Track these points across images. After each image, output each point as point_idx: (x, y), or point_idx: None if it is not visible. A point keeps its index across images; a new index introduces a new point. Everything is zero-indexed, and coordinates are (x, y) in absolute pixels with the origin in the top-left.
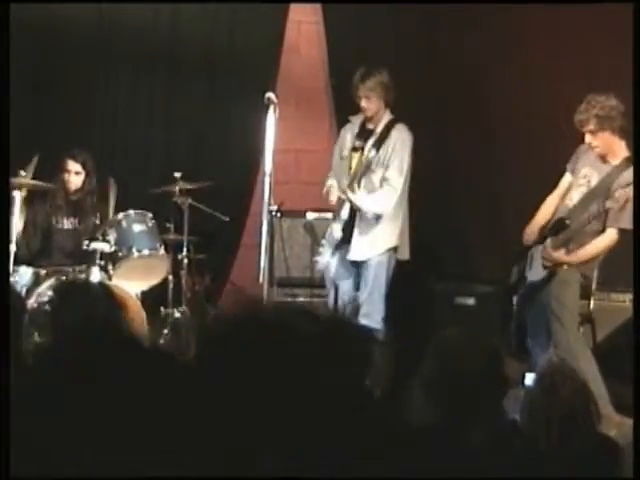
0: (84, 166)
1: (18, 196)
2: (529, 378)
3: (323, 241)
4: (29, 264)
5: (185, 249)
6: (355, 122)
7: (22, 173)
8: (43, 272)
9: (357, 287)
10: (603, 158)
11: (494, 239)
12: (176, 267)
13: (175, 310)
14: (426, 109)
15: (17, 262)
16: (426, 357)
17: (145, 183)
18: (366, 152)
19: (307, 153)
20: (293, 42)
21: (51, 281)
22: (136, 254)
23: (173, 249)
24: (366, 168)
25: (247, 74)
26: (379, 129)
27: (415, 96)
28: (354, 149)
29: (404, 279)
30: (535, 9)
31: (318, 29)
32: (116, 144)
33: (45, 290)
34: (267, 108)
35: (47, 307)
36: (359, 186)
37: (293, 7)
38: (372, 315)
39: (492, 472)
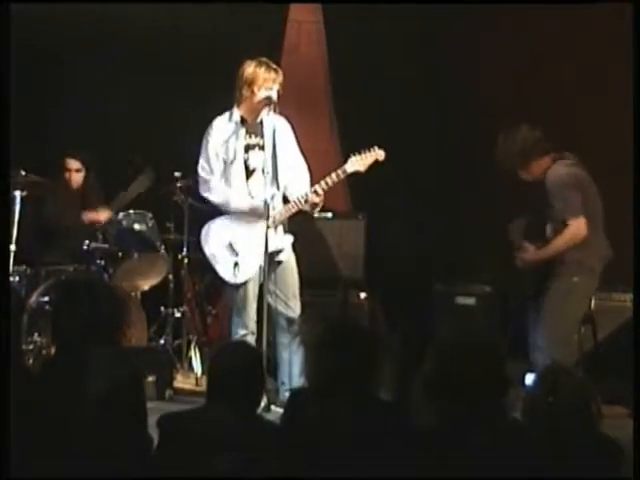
0: (83, 163)
1: (19, 195)
2: (529, 378)
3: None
4: (29, 264)
5: (185, 249)
6: (236, 117)
7: (22, 173)
8: (43, 272)
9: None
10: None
11: (494, 239)
12: (176, 267)
13: (175, 310)
14: (427, 107)
15: (17, 262)
16: (427, 357)
17: (146, 182)
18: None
19: (307, 152)
20: (293, 42)
21: (51, 281)
22: (136, 254)
23: (173, 249)
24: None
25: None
26: (265, 120)
27: (415, 94)
28: (249, 147)
29: (404, 279)
30: None
31: (318, 29)
32: (116, 144)
33: (45, 290)
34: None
35: (47, 307)
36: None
37: (293, 7)
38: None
39: (493, 472)
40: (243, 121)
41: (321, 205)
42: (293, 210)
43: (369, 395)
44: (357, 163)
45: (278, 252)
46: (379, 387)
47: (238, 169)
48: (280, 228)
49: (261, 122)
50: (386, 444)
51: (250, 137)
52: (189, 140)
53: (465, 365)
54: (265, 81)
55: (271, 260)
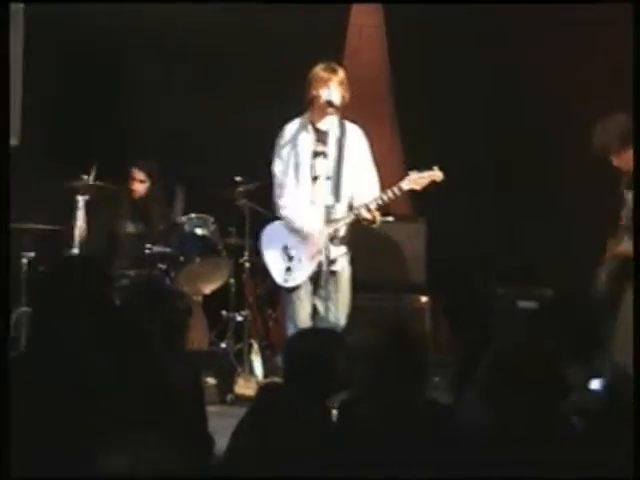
0: (149, 175)
1: (81, 201)
2: (595, 383)
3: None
4: None
5: (246, 253)
6: (306, 123)
7: (85, 178)
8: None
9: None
10: None
11: (557, 242)
12: (238, 271)
13: (237, 314)
14: (490, 107)
15: None
16: (487, 361)
17: (207, 187)
18: (334, 155)
19: None
20: (354, 46)
21: (114, 284)
22: (198, 258)
23: (235, 253)
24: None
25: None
26: (336, 128)
27: (476, 95)
28: (316, 154)
29: (465, 282)
30: None
31: (379, 33)
32: (178, 149)
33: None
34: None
35: None
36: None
37: (355, 11)
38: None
39: (554, 475)
40: (312, 127)
41: (377, 220)
42: (347, 221)
43: (418, 400)
44: (414, 182)
45: (332, 262)
46: (425, 391)
47: (304, 175)
48: (337, 238)
49: (332, 129)
50: (442, 448)
51: (318, 144)
52: (251, 145)
53: (526, 370)
54: (323, 81)
55: (329, 268)
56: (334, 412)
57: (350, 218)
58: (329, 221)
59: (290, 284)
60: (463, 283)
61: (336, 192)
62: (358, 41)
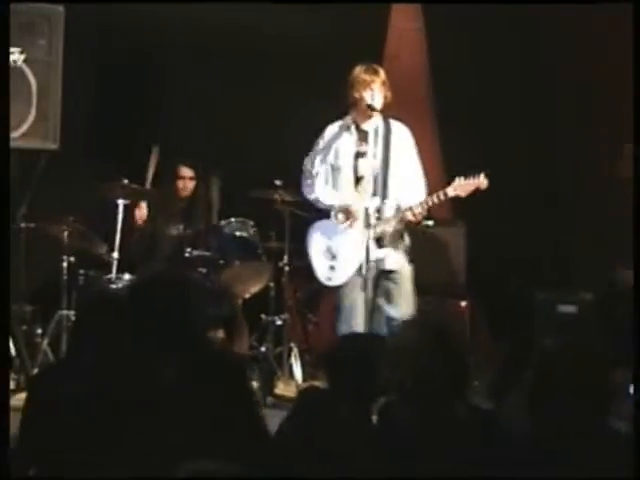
0: (196, 171)
1: (122, 204)
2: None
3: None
4: (132, 271)
5: (286, 256)
6: (349, 124)
7: (125, 181)
8: None
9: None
10: None
11: (596, 245)
12: (277, 275)
13: (276, 317)
14: (531, 109)
15: (120, 269)
16: (528, 366)
17: (247, 191)
18: (378, 155)
19: None
20: (394, 49)
21: None
22: (237, 261)
23: (274, 256)
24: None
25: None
26: (381, 128)
27: (517, 99)
28: (359, 155)
29: (505, 286)
30: None
31: (419, 36)
32: (218, 151)
33: None
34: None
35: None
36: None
37: (394, 14)
38: None
39: None
40: (356, 128)
41: (422, 223)
42: (392, 223)
43: (459, 404)
44: (459, 188)
45: (379, 260)
46: (467, 395)
47: (347, 176)
48: (384, 239)
49: (376, 129)
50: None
51: (361, 144)
52: (291, 148)
53: (567, 375)
54: (364, 82)
55: (378, 268)
56: (374, 415)
57: (395, 220)
58: (374, 221)
59: (333, 283)
60: (503, 287)
61: (382, 192)
62: (398, 44)
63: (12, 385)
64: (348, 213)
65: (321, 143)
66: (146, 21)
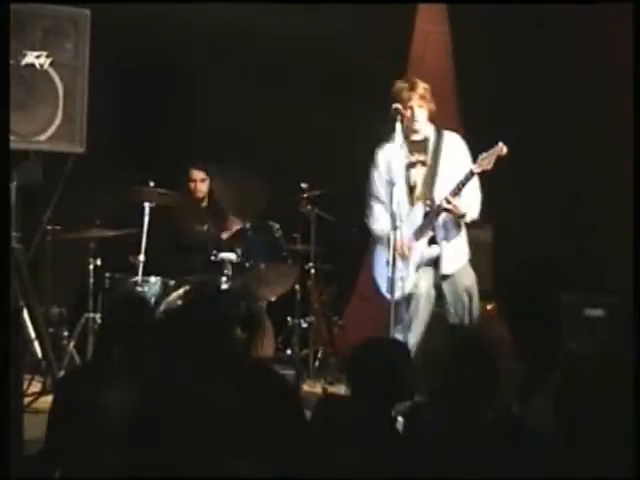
0: (207, 172)
1: (148, 207)
2: None
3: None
4: (158, 274)
5: (312, 259)
6: (397, 138)
7: (151, 184)
8: (172, 282)
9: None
10: None
11: (623, 249)
12: (303, 277)
13: (302, 320)
14: (555, 112)
15: (146, 272)
16: (555, 370)
17: (272, 194)
18: (429, 163)
19: None
20: (419, 52)
21: (180, 291)
22: (263, 264)
23: (300, 259)
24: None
25: (374, 85)
26: (432, 137)
27: (543, 102)
28: (410, 165)
29: (531, 289)
30: None
31: (445, 39)
32: (244, 155)
33: (174, 300)
34: (394, 119)
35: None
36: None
37: (419, 18)
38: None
39: None
40: (405, 140)
41: (463, 211)
42: (433, 220)
43: (488, 407)
44: (483, 163)
45: (432, 261)
46: (496, 399)
47: (401, 187)
48: (427, 238)
49: (426, 138)
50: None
51: (412, 154)
52: (317, 150)
53: (594, 378)
54: (402, 100)
55: (435, 270)
56: (400, 419)
57: (434, 216)
58: (424, 226)
59: (397, 295)
60: (529, 290)
61: (431, 197)
62: (423, 47)
63: (38, 387)
64: (400, 250)
65: (376, 164)
66: (172, 24)
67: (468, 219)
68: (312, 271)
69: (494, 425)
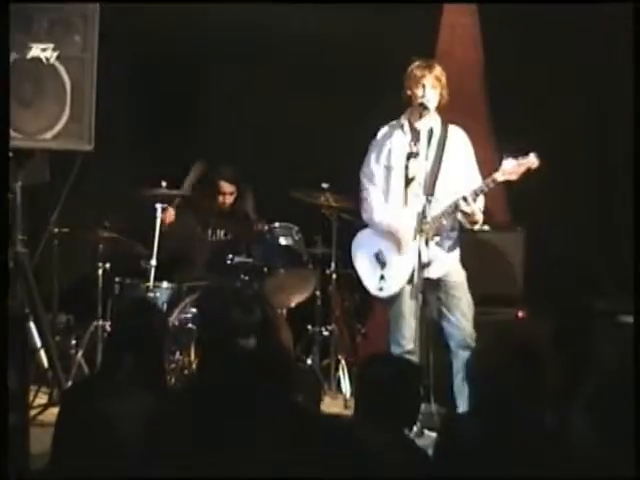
0: (237, 187)
1: (160, 209)
2: None
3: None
4: (170, 279)
5: (333, 263)
6: (403, 123)
7: (164, 184)
8: (185, 287)
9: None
10: None
11: None
12: (324, 283)
13: (323, 328)
14: (589, 105)
15: (158, 277)
16: (589, 378)
17: (292, 194)
18: (431, 156)
19: None
20: (447, 46)
21: (194, 296)
22: (282, 269)
23: (321, 263)
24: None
25: (399, 79)
26: (437, 129)
27: (576, 97)
28: (411, 155)
29: (565, 295)
30: None
31: (473, 32)
32: (261, 154)
33: (187, 307)
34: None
35: (189, 325)
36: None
37: (447, 10)
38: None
39: None
40: (410, 127)
41: (478, 218)
42: (443, 221)
43: (527, 419)
44: (509, 171)
45: (427, 265)
46: (537, 411)
47: (398, 176)
48: (433, 241)
49: (431, 130)
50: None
51: (414, 144)
52: (337, 150)
53: (628, 387)
54: (416, 78)
55: (426, 273)
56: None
57: (448, 215)
58: (424, 223)
59: (384, 293)
60: (562, 296)
61: (431, 193)
62: (451, 40)
63: (44, 399)
64: (398, 236)
65: (375, 145)
66: (182, 20)
67: (477, 227)
68: (334, 276)
69: (529, 437)
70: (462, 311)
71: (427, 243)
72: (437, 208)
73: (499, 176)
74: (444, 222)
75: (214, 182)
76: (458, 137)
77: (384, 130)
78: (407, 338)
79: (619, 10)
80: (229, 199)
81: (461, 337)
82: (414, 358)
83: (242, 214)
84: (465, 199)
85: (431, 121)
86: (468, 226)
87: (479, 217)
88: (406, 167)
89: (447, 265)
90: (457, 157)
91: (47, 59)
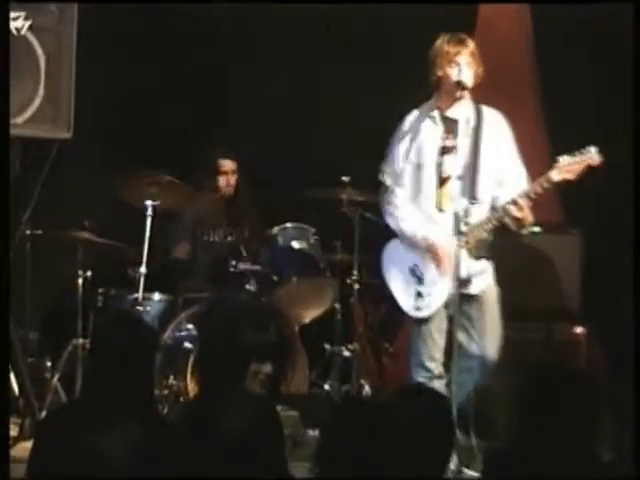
0: (239, 165)
1: (151, 207)
2: None
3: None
4: (163, 290)
5: (355, 271)
6: (433, 111)
7: (155, 177)
8: (181, 300)
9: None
10: None
11: None
12: (345, 294)
13: (343, 348)
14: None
15: (149, 287)
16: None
17: (306, 190)
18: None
19: None
20: (489, 17)
21: (191, 310)
22: (295, 278)
23: (341, 271)
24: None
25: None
26: (472, 117)
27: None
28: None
29: (626, 309)
30: None
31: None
32: (267, 143)
33: (183, 322)
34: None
35: (186, 344)
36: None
37: None
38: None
39: None
40: (440, 116)
41: (528, 221)
42: (488, 227)
43: (583, 455)
44: (565, 169)
45: (469, 280)
46: (595, 445)
47: (429, 175)
48: (475, 250)
49: (467, 118)
50: None
51: (447, 136)
52: (359, 139)
53: None
54: (448, 55)
55: (463, 289)
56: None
57: (492, 222)
58: (462, 230)
59: (424, 313)
60: (625, 310)
61: (472, 194)
62: (493, 10)
63: (14, 432)
64: (435, 253)
65: (400, 137)
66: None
67: (525, 230)
68: (356, 286)
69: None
70: (492, 332)
71: (468, 254)
72: (478, 213)
73: (554, 175)
74: (488, 229)
75: (212, 163)
76: (496, 123)
77: (410, 119)
78: (437, 361)
79: None
80: (232, 180)
81: (490, 360)
82: (442, 384)
83: (248, 203)
84: (515, 203)
85: (466, 107)
86: (514, 228)
87: (530, 220)
88: (439, 164)
89: (488, 279)
90: (498, 148)
91: (17, 30)
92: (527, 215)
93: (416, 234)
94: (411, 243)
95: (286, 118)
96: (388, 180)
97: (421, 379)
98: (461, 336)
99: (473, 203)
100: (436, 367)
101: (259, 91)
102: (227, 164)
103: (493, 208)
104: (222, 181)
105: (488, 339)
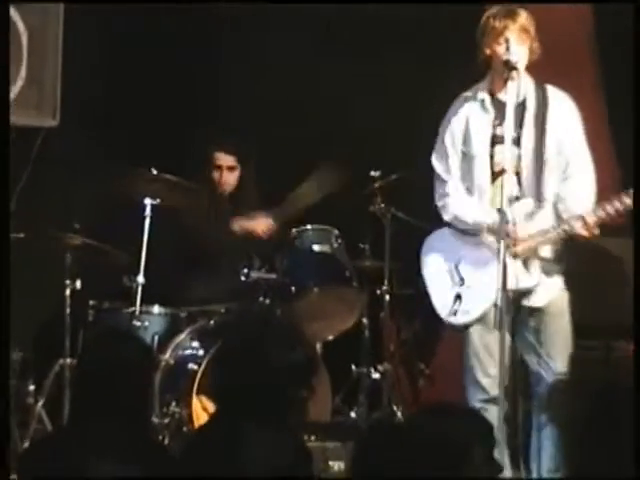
0: (238, 157)
1: (149, 207)
2: None
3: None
4: (164, 302)
5: (386, 280)
6: (482, 94)
7: (154, 172)
8: (183, 314)
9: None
10: None
11: None
12: (374, 306)
13: (372, 369)
14: None
15: (147, 299)
16: None
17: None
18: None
19: None
20: None
21: (196, 326)
22: (316, 288)
23: (370, 280)
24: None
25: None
26: (532, 98)
27: None
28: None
29: None
30: None
31: None
32: (284, 132)
33: (186, 340)
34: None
35: (191, 365)
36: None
37: None
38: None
39: None
40: (492, 100)
41: (594, 234)
42: (548, 239)
43: None
44: None
45: (529, 293)
46: None
47: (481, 168)
48: (534, 260)
49: (523, 101)
50: None
51: (500, 123)
52: (390, 128)
53: None
54: (495, 31)
55: (520, 302)
56: None
57: (555, 235)
58: (521, 239)
59: (460, 320)
60: None
61: (536, 192)
62: None
63: None
64: (486, 246)
65: (447, 126)
66: None
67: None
68: (387, 297)
69: None
70: (560, 351)
71: (526, 264)
72: (540, 217)
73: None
74: (549, 240)
75: (206, 155)
76: (562, 105)
77: (458, 104)
78: (492, 379)
79: None
80: (228, 176)
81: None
82: (495, 409)
83: (245, 206)
84: (584, 220)
85: (520, 88)
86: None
87: (596, 233)
88: (491, 156)
89: (555, 289)
90: (563, 135)
91: None
92: (593, 233)
93: (477, 220)
94: (464, 237)
95: (302, 102)
96: (438, 166)
97: (477, 404)
98: (528, 355)
99: (537, 207)
100: (491, 387)
101: (258, 89)
102: (223, 158)
103: (557, 216)
104: (216, 176)
105: (557, 359)
